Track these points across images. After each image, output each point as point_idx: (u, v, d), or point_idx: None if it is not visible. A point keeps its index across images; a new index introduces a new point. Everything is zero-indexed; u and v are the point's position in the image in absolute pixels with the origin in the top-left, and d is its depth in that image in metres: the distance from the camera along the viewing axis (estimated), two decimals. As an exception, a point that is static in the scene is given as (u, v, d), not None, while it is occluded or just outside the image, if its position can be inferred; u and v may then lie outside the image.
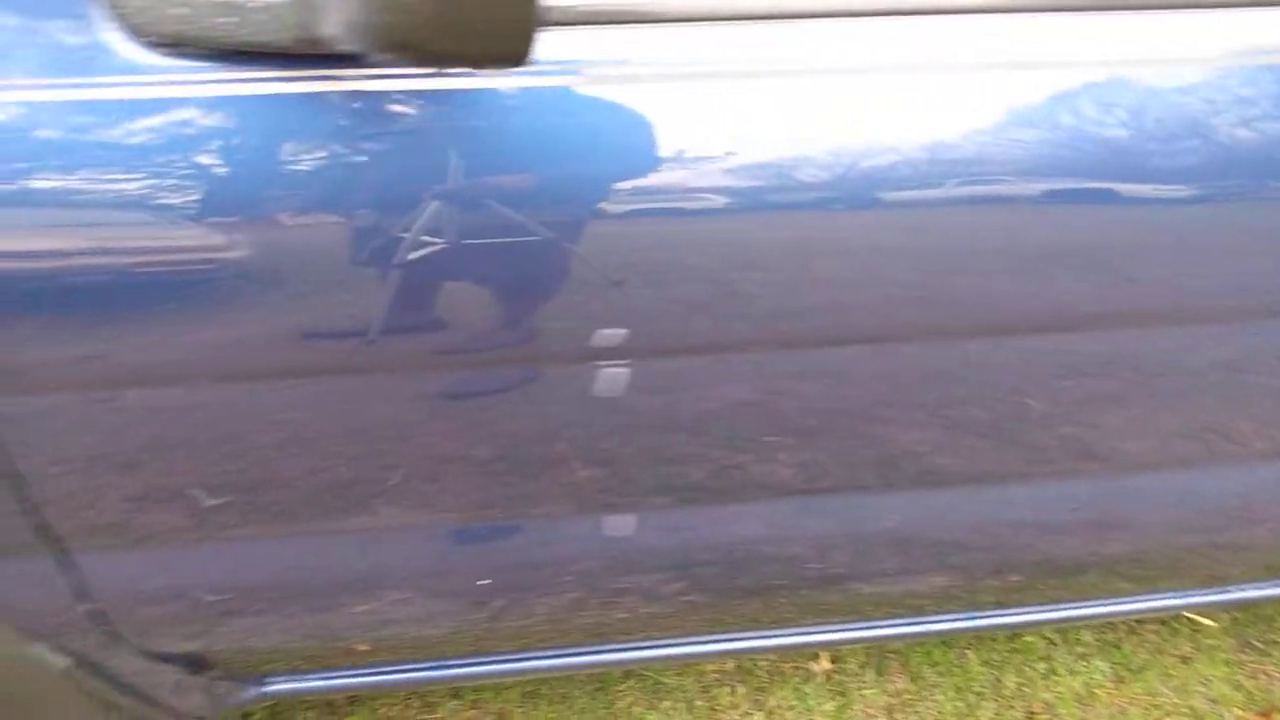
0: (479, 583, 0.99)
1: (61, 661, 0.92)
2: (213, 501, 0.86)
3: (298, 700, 1.48)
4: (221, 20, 0.65)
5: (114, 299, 0.72)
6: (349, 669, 1.13)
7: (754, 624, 1.22)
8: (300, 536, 0.92)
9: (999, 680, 1.56)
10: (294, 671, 1.10)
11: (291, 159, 0.70)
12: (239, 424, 0.83)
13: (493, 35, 0.50)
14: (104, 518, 0.84)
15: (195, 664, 1.03)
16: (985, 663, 1.58)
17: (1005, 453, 1.01)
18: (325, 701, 1.49)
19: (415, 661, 1.16)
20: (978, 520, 1.08)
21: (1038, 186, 0.81)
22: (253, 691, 1.09)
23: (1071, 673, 1.56)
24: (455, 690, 1.51)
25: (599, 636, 1.19)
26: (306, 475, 0.87)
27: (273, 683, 1.10)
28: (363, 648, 1.07)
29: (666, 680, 1.54)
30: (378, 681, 1.13)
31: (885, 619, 1.26)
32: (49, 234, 0.70)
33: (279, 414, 0.83)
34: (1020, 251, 0.84)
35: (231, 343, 0.74)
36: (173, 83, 0.69)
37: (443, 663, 1.15)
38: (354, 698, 1.50)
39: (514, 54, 0.51)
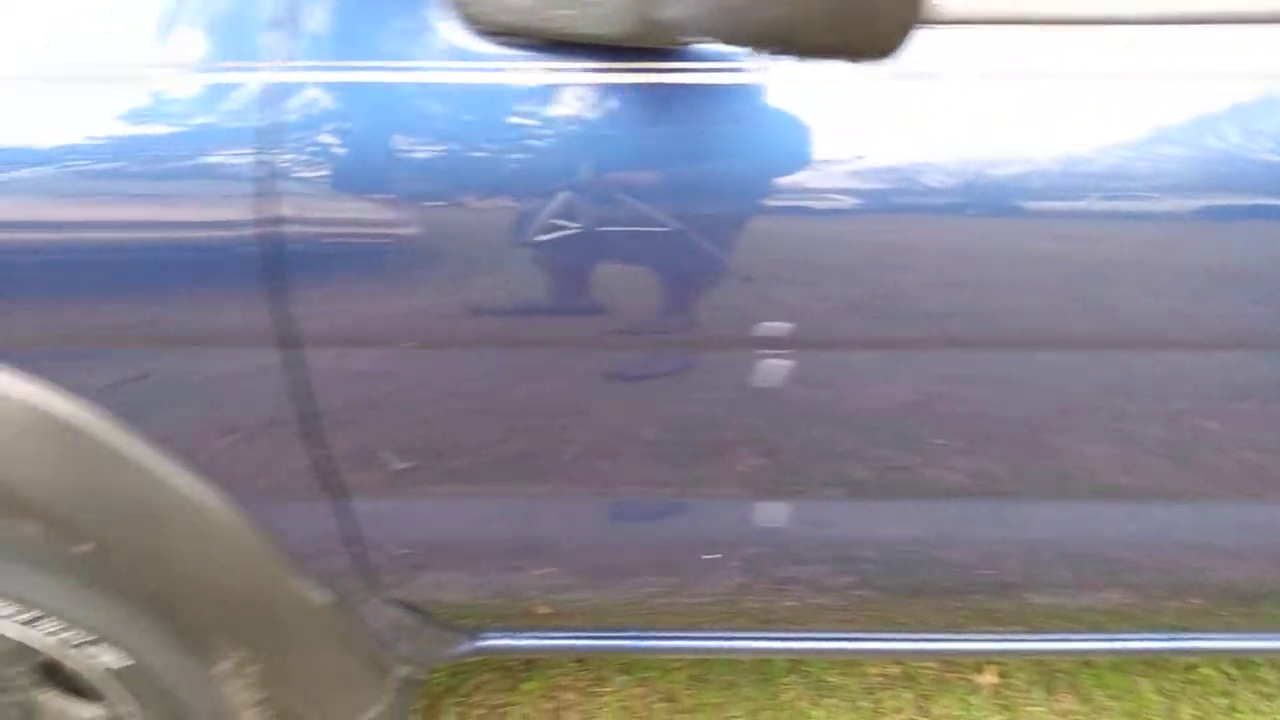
0: (705, 557, 1.02)
1: (323, 598, 1.00)
2: (470, 460, 0.93)
3: (478, 662, 1.55)
4: (559, 12, 0.70)
5: (421, 262, 0.79)
6: (550, 630, 1.19)
7: (922, 626, 1.23)
8: (499, 497, 0.99)
9: (1174, 710, 1.52)
10: (500, 629, 1.16)
11: (604, 144, 0.75)
12: (514, 387, 0.89)
13: (875, 27, 0.53)
14: (379, 468, 0.92)
15: (418, 612, 1.10)
16: (1159, 691, 1.54)
17: (1183, 472, 0.99)
18: (503, 666, 1.56)
19: (594, 630, 1.21)
20: (1154, 538, 1.06)
21: (1221, 201, 0.80)
22: (466, 645, 1.16)
23: (1256, 712, 1.51)
24: (625, 667, 1.56)
25: (769, 624, 1.21)
26: (537, 439, 0.93)
27: (485, 638, 1.16)
28: (543, 610, 1.13)
29: (830, 679, 1.56)
30: (584, 645, 1.18)
31: (1058, 632, 1.25)
32: (371, 203, 0.77)
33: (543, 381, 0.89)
34: (1194, 268, 0.83)
35: (539, 313, 0.81)
36: (500, 69, 0.75)
37: (645, 633, 1.20)
38: (530, 663, 1.57)
39: (889, 46, 0.54)
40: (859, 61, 0.55)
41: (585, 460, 0.95)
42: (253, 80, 0.75)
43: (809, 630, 1.24)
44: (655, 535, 1.05)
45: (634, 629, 1.21)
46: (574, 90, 0.74)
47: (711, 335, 0.85)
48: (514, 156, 0.75)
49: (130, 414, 0.86)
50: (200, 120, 0.76)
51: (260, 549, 0.95)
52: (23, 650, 1.07)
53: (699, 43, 0.63)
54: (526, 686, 1.54)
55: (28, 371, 0.84)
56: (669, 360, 0.89)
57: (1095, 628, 1.23)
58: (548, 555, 1.05)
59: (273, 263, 0.78)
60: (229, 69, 0.75)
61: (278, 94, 0.75)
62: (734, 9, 0.57)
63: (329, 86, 0.75)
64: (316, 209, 0.76)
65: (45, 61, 0.78)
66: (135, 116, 0.77)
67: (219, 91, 0.76)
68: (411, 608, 1.08)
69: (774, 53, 0.57)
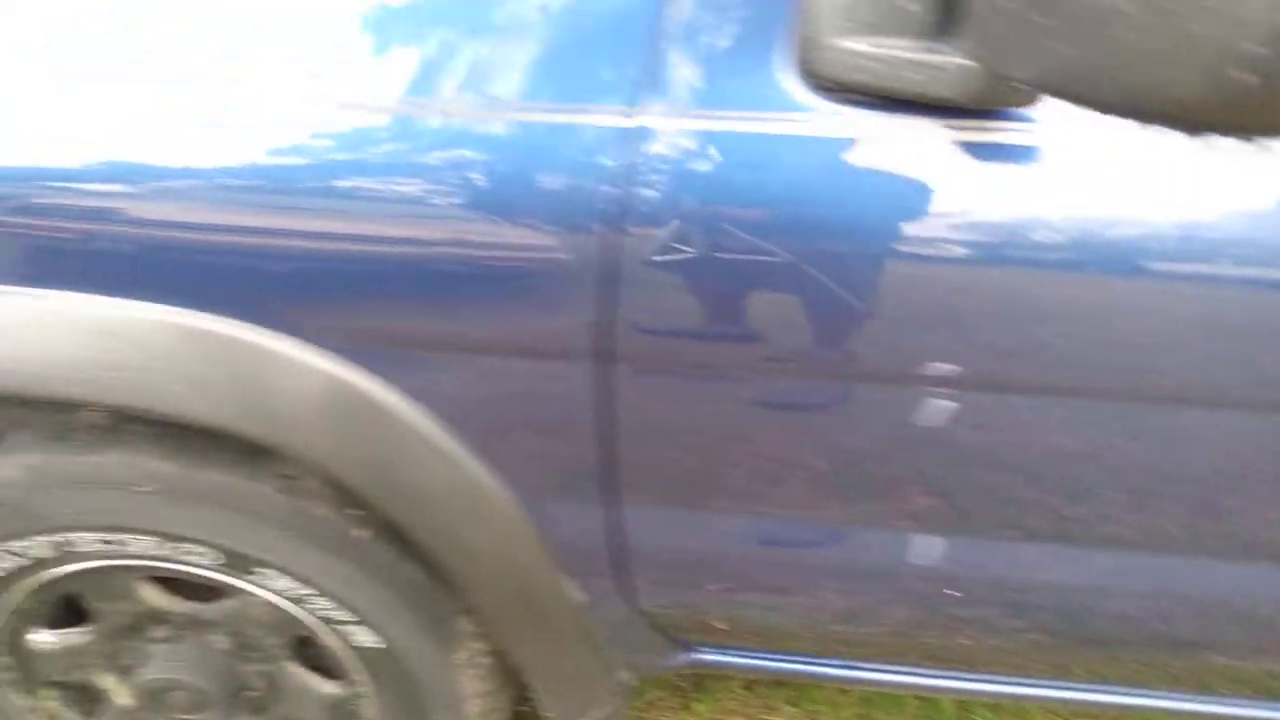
0: (945, 591, 1.06)
1: (578, 597, 1.07)
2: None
3: (649, 680, 1.60)
4: (910, 75, 0.77)
5: (749, 297, 0.86)
6: (753, 651, 1.24)
7: (1096, 677, 1.24)
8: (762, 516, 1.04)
9: (1354, 797, 1.48)
10: (720, 644, 1.22)
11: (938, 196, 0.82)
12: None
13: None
14: (660, 480, 0.99)
15: (651, 620, 1.16)
16: (1339, 775, 1.51)
17: None
18: (672, 685, 1.61)
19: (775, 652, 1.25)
20: None
21: None
22: (682, 657, 1.22)
23: None
24: (793, 698, 1.60)
25: (942, 662, 1.24)
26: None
27: (700, 651, 1.22)
28: (720, 626, 1.17)
29: (999, 728, 1.57)
30: (793, 669, 1.23)
31: (1236, 697, 1.24)
32: (714, 240, 0.84)
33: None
34: None
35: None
36: (840, 123, 0.82)
37: (837, 662, 1.24)
38: (700, 685, 1.61)
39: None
40: (1255, 139, 0.60)
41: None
42: (609, 122, 0.83)
43: (981, 672, 1.26)
44: (821, 560, 1.09)
45: (808, 655, 1.25)
46: (914, 145, 0.81)
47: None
48: (847, 203, 0.82)
49: (443, 410, 0.95)
50: (553, 154, 0.84)
51: (535, 546, 1.02)
52: (288, 623, 1.16)
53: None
54: (697, 708, 1.58)
55: (359, 364, 0.93)
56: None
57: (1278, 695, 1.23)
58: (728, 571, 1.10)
59: (607, 286, 0.85)
60: (587, 111, 0.84)
61: (631, 136, 0.83)
62: (1124, 82, 0.62)
63: (679, 133, 0.82)
64: (659, 244, 0.84)
65: (413, 96, 0.87)
66: (490, 148, 0.85)
67: (574, 131, 0.84)
68: (645, 615, 1.14)
69: (1159, 125, 0.62)
